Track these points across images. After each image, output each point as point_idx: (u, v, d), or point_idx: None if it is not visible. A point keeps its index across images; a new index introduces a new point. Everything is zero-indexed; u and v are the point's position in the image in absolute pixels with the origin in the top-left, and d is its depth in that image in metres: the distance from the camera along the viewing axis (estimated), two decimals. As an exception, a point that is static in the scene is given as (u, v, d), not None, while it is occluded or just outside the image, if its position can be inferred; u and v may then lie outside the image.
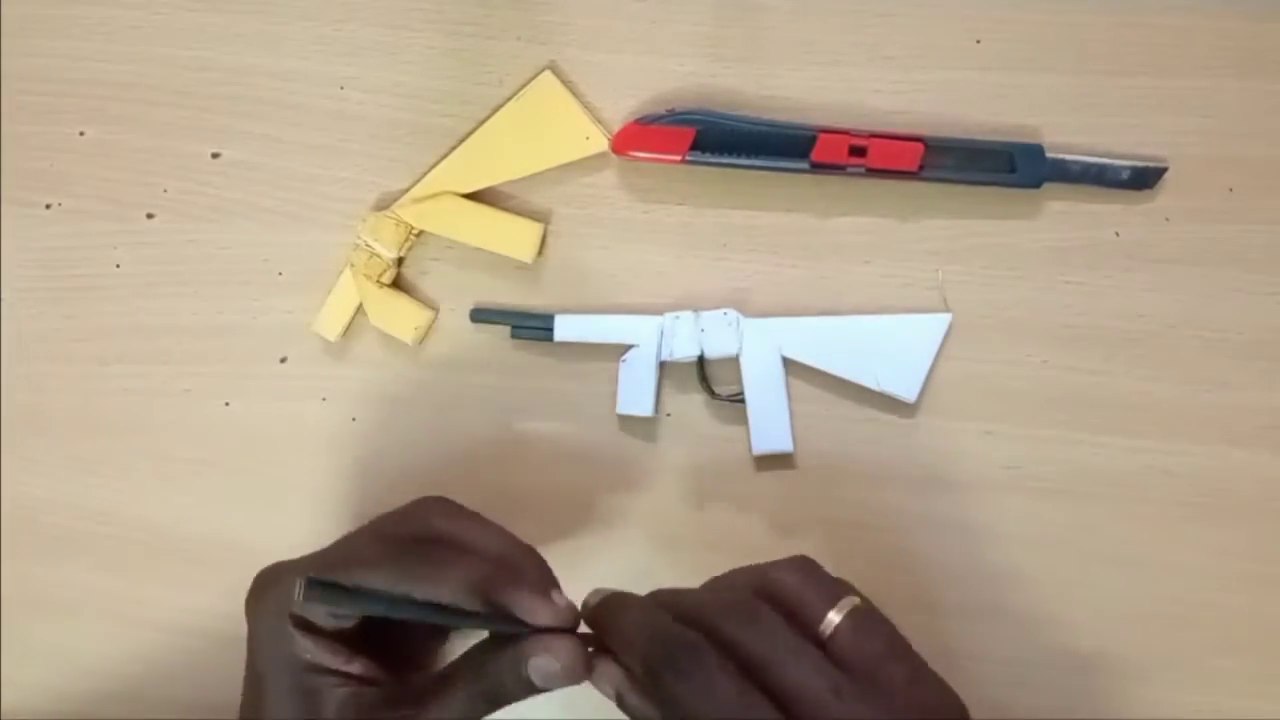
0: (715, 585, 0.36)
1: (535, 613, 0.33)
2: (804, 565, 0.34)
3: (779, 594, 0.33)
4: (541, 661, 0.33)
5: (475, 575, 0.34)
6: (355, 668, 0.35)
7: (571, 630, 0.34)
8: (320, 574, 0.34)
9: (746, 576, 0.35)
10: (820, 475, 0.46)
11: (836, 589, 0.33)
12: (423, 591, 0.34)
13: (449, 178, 0.48)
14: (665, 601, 0.34)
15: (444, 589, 0.34)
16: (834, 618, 0.32)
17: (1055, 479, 0.45)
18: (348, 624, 0.35)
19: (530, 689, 0.33)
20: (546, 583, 0.36)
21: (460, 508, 0.39)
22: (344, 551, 0.37)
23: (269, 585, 0.37)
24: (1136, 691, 0.45)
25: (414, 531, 0.37)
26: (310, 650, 0.35)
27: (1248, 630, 0.45)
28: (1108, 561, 0.45)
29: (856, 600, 0.33)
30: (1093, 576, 0.45)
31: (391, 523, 0.38)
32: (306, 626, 0.35)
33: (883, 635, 0.33)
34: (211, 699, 0.47)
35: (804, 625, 0.32)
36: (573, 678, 0.33)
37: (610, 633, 0.34)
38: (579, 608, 0.35)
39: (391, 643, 0.37)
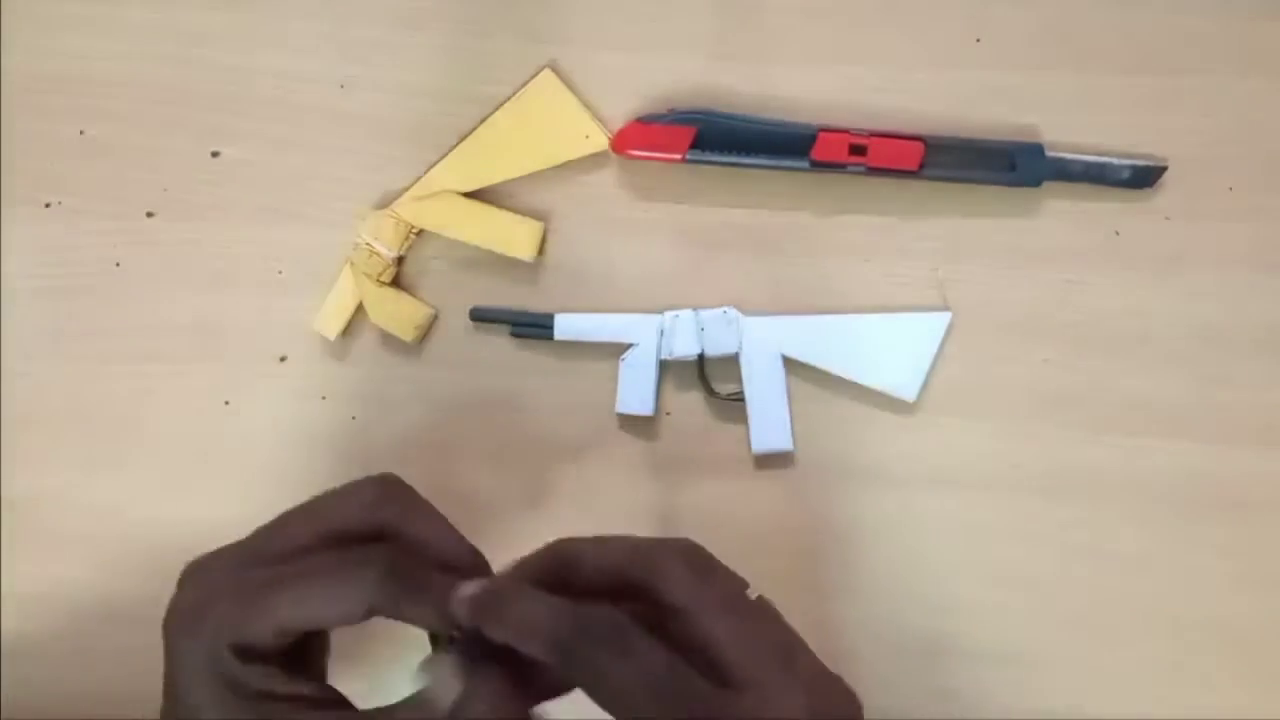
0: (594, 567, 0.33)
1: None
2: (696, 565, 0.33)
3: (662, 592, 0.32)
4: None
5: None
6: (307, 689, 0.32)
7: None
8: (252, 588, 0.31)
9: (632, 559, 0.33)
10: (820, 474, 0.46)
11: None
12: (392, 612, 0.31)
13: (449, 176, 0.47)
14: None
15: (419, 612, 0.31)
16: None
17: (1056, 478, 0.45)
18: (288, 642, 0.31)
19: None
20: None
21: (411, 496, 0.34)
22: (278, 547, 0.33)
23: (200, 609, 0.33)
24: (1138, 690, 0.45)
25: (359, 523, 0.33)
26: (259, 677, 0.31)
27: (1250, 629, 0.45)
28: (1109, 560, 0.45)
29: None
30: (1094, 575, 0.45)
31: (333, 511, 0.34)
32: (248, 652, 0.31)
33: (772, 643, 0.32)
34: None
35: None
36: None
37: (505, 622, 0.31)
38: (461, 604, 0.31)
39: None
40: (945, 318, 0.46)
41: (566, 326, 0.46)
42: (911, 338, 0.46)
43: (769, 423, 0.46)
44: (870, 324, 0.46)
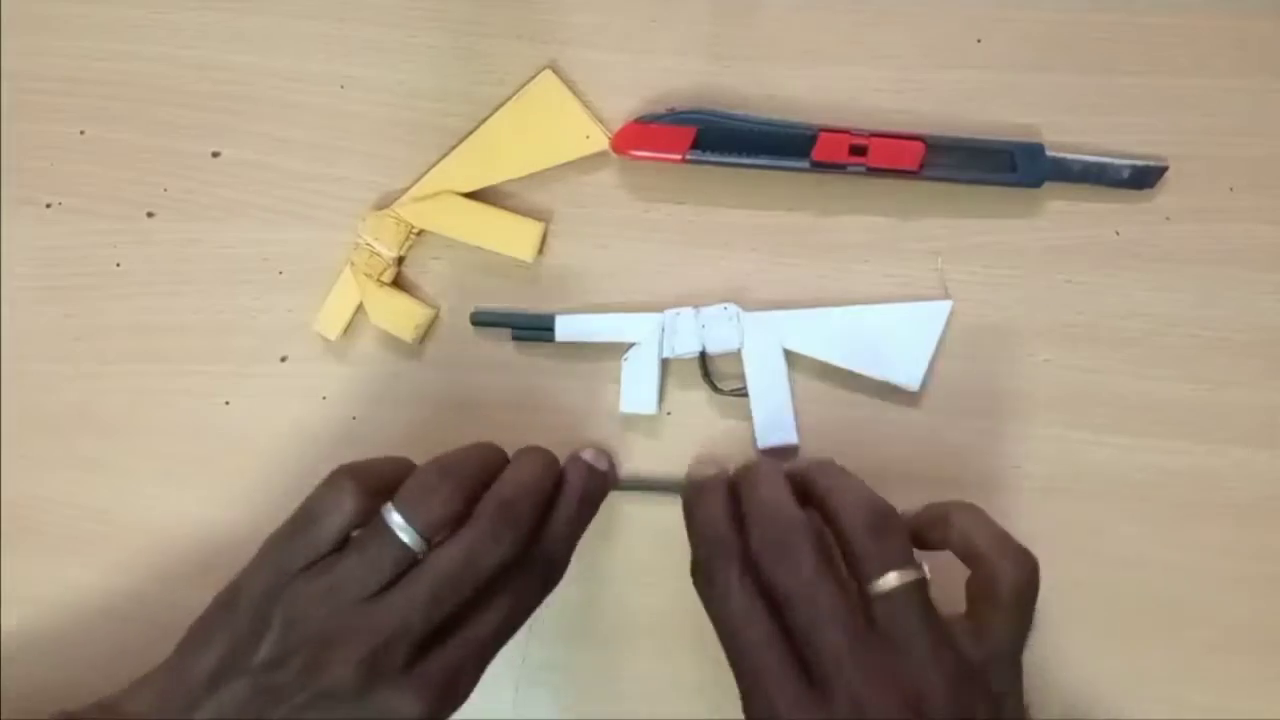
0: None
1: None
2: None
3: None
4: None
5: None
6: None
7: None
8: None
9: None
10: (822, 473, 0.46)
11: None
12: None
13: (449, 177, 0.48)
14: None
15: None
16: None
17: (1056, 478, 0.45)
18: None
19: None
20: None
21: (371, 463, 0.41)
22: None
23: None
24: (1137, 691, 0.45)
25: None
26: None
27: (1248, 629, 0.45)
28: (1108, 560, 0.45)
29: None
30: (1093, 575, 0.45)
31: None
32: None
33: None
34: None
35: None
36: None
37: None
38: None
39: None
40: (946, 305, 0.46)
41: (567, 328, 0.46)
42: (913, 326, 0.46)
43: (773, 418, 0.46)
44: (872, 314, 0.46)
